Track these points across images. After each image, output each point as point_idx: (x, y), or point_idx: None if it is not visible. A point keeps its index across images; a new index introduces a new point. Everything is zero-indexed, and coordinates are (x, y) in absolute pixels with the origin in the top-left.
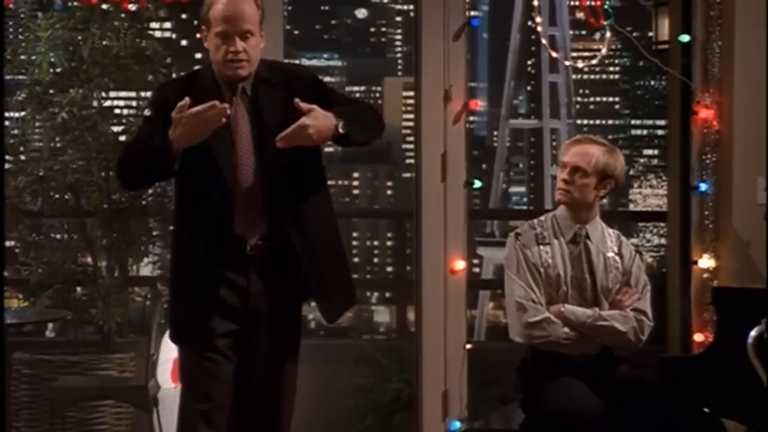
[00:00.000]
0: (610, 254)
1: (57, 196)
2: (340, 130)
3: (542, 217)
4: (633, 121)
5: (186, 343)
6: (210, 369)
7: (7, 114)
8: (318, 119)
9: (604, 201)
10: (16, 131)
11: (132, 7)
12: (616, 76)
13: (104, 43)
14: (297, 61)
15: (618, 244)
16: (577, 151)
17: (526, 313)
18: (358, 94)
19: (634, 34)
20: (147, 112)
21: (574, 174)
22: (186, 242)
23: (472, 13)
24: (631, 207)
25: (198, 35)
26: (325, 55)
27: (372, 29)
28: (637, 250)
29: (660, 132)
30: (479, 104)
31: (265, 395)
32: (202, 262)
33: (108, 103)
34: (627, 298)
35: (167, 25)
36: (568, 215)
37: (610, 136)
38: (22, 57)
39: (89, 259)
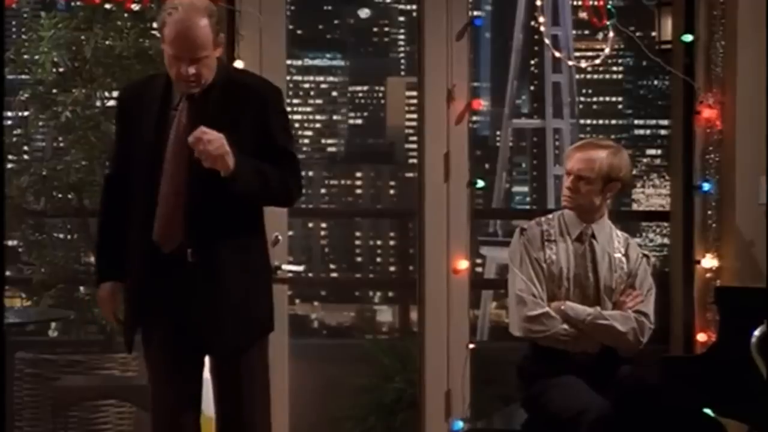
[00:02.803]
0: (617, 255)
1: (60, 195)
2: (222, 174)
3: (550, 216)
4: (636, 121)
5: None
6: (163, 375)
7: (10, 114)
8: (212, 143)
9: (607, 200)
10: (19, 131)
11: (135, 6)
12: (619, 76)
13: (107, 42)
14: (300, 61)
15: (625, 245)
16: (580, 158)
17: (526, 306)
18: (360, 94)
19: (637, 34)
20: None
21: (578, 182)
22: (129, 246)
23: (475, 12)
24: (634, 206)
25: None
26: (328, 55)
27: (375, 29)
28: (644, 253)
29: (663, 132)
30: (482, 104)
31: (226, 403)
32: (133, 268)
33: (111, 102)
34: (630, 299)
35: None
36: (575, 215)
37: (613, 136)
38: (25, 57)
39: (92, 259)
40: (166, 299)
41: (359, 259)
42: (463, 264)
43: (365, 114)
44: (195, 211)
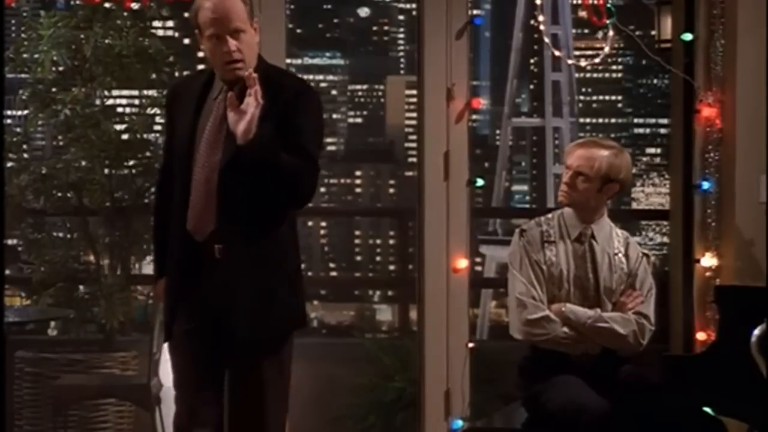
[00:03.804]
0: (617, 255)
1: (59, 194)
2: (239, 141)
3: (550, 215)
4: (636, 120)
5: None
6: (185, 368)
7: (9, 112)
8: (250, 113)
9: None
10: (18, 129)
11: (134, 5)
12: (619, 75)
13: (107, 41)
14: (300, 60)
15: (625, 245)
16: (581, 155)
17: (526, 310)
18: (360, 93)
19: (637, 33)
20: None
21: (576, 178)
22: (170, 236)
23: (475, 11)
24: (634, 205)
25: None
26: (328, 54)
27: (374, 28)
28: (644, 252)
29: (663, 130)
30: (482, 103)
31: (243, 402)
32: (171, 258)
33: (111, 101)
34: (630, 300)
35: (170, 23)
36: (574, 215)
37: (612, 135)
38: (25, 55)
39: (92, 258)
40: (195, 292)
41: (359, 257)
42: (462, 263)
43: (365, 113)
44: (226, 199)
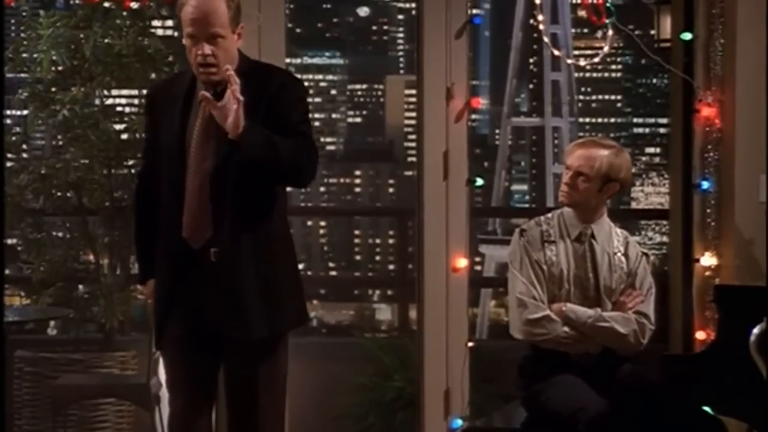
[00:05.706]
0: (616, 254)
1: (59, 194)
2: (230, 135)
3: (549, 215)
4: (635, 119)
5: (158, 348)
6: (178, 372)
7: (9, 112)
8: (233, 110)
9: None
10: (18, 129)
11: (134, 5)
12: (618, 74)
13: (106, 41)
14: (299, 60)
15: (625, 244)
16: (581, 155)
17: (527, 309)
18: (360, 92)
19: (636, 33)
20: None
21: (577, 178)
22: (159, 243)
23: (474, 11)
24: (633, 205)
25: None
26: (327, 54)
27: (374, 27)
28: (644, 252)
29: (662, 130)
30: (481, 102)
31: (238, 405)
32: (162, 264)
33: (110, 101)
34: (630, 300)
35: (169, 23)
36: (574, 214)
37: (612, 135)
38: (24, 55)
39: (91, 257)
40: (190, 297)
41: (358, 257)
42: (462, 262)
43: (364, 112)
44: (221, 203)
